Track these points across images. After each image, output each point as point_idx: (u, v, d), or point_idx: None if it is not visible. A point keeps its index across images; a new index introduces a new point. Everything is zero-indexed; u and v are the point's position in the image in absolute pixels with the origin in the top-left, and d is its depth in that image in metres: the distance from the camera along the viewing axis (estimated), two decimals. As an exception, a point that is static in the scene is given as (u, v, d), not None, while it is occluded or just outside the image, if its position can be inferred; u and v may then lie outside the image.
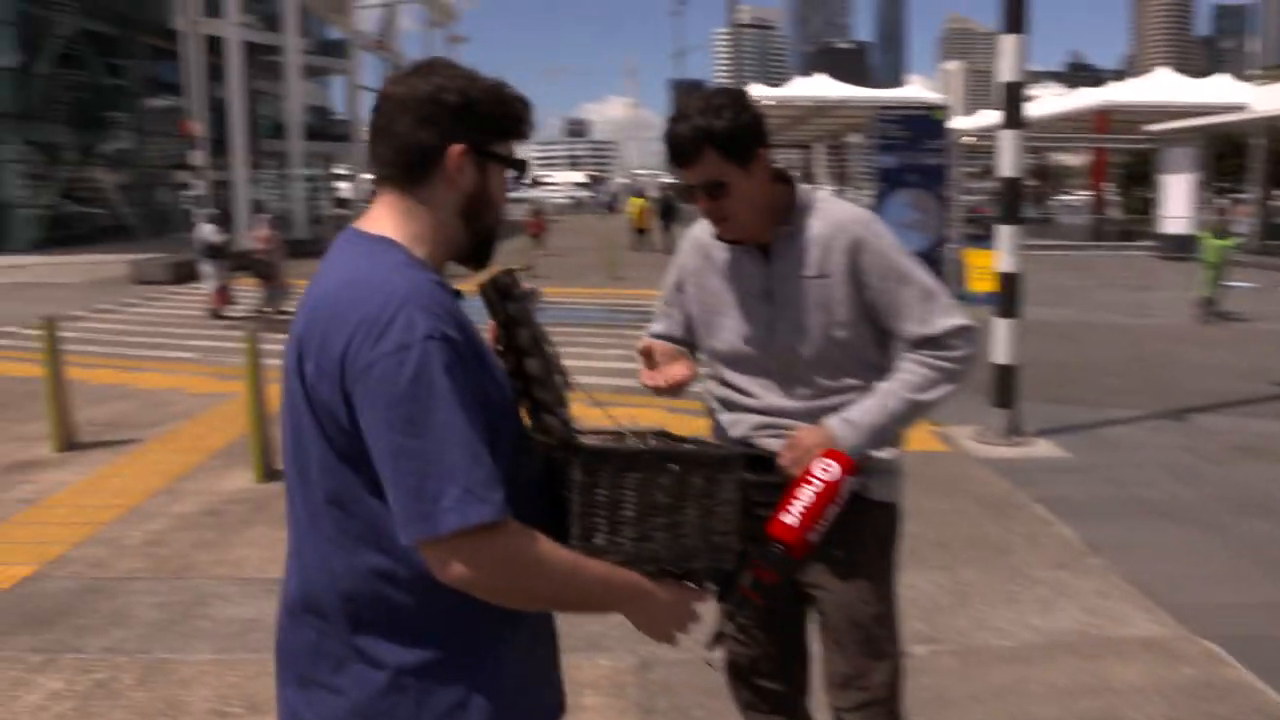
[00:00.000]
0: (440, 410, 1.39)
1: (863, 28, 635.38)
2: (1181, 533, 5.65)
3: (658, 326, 2.55)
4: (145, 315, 15.73)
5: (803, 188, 2.33)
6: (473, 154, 1.57)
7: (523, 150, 1.70)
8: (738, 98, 2.19)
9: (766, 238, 2.30)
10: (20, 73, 31.46)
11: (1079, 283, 20.14)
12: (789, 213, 2.29)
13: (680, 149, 2.16)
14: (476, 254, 1.66)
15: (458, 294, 1.63)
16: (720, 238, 2.31)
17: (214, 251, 15.08)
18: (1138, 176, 38.95)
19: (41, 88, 32.06)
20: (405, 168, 1.57)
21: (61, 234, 32.92)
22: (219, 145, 31.95)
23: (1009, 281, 7.72)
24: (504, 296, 1.62)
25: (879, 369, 2.30)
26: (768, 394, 2.34)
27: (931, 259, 17.78)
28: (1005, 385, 7.67)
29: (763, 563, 1.78)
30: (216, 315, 14.93)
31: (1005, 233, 7.74)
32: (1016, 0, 7.36)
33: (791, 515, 1.79)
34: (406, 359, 1.39)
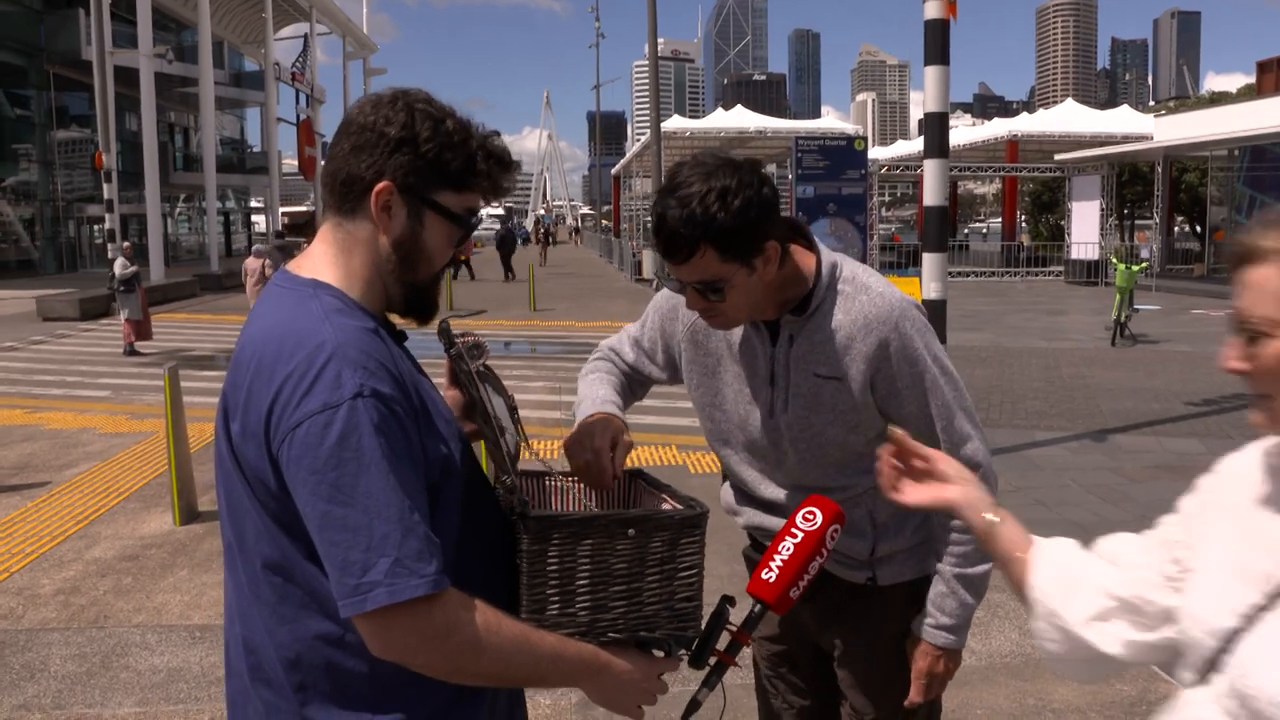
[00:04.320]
0: (369, 475, 1.29)
1: (778, 60, 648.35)
2: (1109, 552, 5.74)
3: (622, 347, 2.24)
4: (54, 353, 15.20)
5: (827, 264, 1.95)
6: (404, 196, 1.44)
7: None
8: (746, 177, 1.75)
9: (772, 315, 1.97)
10: (-83, 103, 30.42)
11: (994, 308, 20.63)
12: (805, 298, 1.94)
13: (673, 246, 1.77)
14: (408, 309, 1.52)
15: (401, 336, 1.53)
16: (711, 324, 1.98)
17: (127, 284, 14.66)
18: (1047, 204, 40.09)
19: (-60, 119, 31.03)
20: (338, 194, 1.46)
21: (-38, 270, 31.79)
22: (132, 178, 31.18)
23: (935, 309, 7.83)
24: (447, 349, 1.49)
25: (869, 466, 1.86)
26: (761, 484, 2.11)
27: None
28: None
29: (740, 624, 1.63)
30: (131, 351, 14.50)
31: (931, 260, 7.85)
32: (939, 33, 7.52)
33: (771, 571, 1.61)
34: (333, 420, 1.28)
